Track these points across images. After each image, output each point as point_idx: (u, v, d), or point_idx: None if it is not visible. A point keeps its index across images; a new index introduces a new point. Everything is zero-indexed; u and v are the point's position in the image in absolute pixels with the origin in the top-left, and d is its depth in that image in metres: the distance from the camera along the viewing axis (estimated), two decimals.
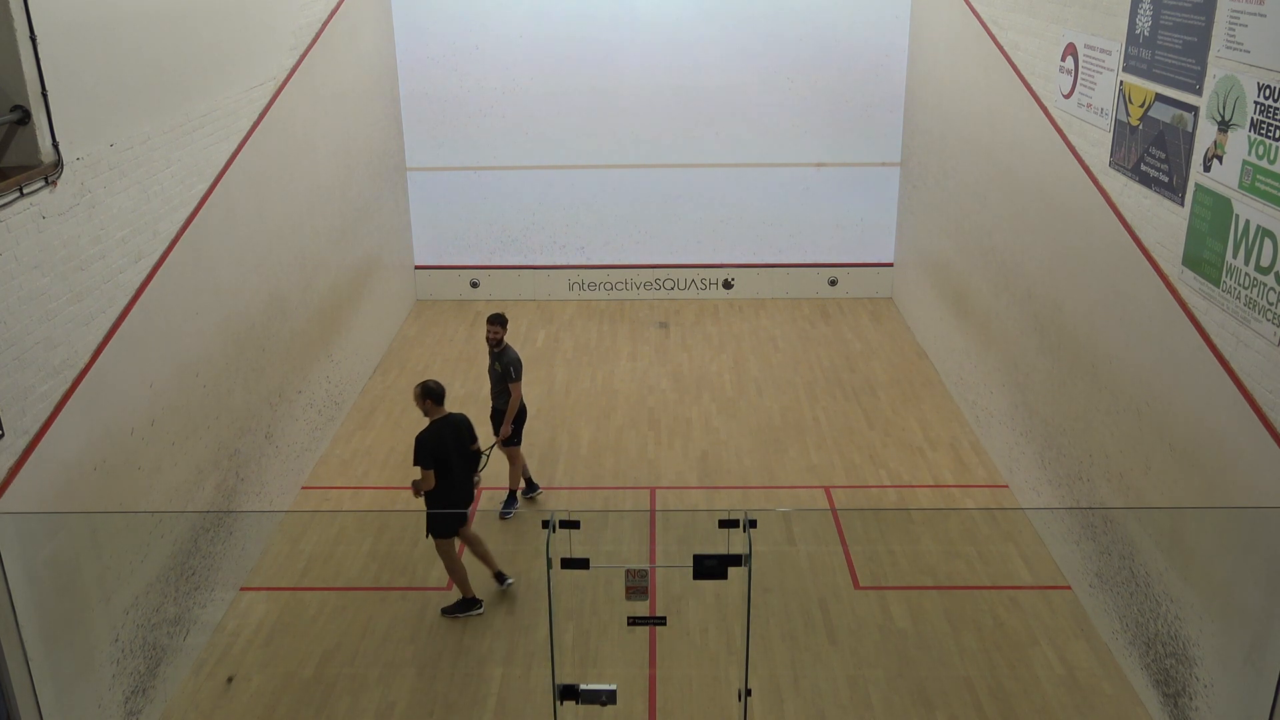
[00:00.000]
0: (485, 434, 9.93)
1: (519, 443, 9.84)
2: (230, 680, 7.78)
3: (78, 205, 6.52)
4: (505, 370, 9.56)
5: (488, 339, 9.63)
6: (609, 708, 7.17)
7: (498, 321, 9.62)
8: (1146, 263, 7.47)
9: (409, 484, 9.58)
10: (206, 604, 8.18)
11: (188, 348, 7.99)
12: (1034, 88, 9.66)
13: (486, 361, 11.50)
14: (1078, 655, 7.96)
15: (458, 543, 8.59)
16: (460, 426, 8.50)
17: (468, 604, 8.51)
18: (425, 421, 8.44)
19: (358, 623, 8.39)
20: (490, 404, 9.93)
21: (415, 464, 8.17)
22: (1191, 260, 6.90)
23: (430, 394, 8.37)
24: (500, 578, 8.77)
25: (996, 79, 10.65)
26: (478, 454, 8.74)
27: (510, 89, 14.51)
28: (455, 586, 8.61)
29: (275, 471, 9.62)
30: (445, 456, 8.25)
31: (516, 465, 9.91)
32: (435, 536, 8.46)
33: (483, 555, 8.73)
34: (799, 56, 14.38)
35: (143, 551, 7.26)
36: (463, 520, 8.58)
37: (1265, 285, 6.10)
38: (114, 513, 6.90)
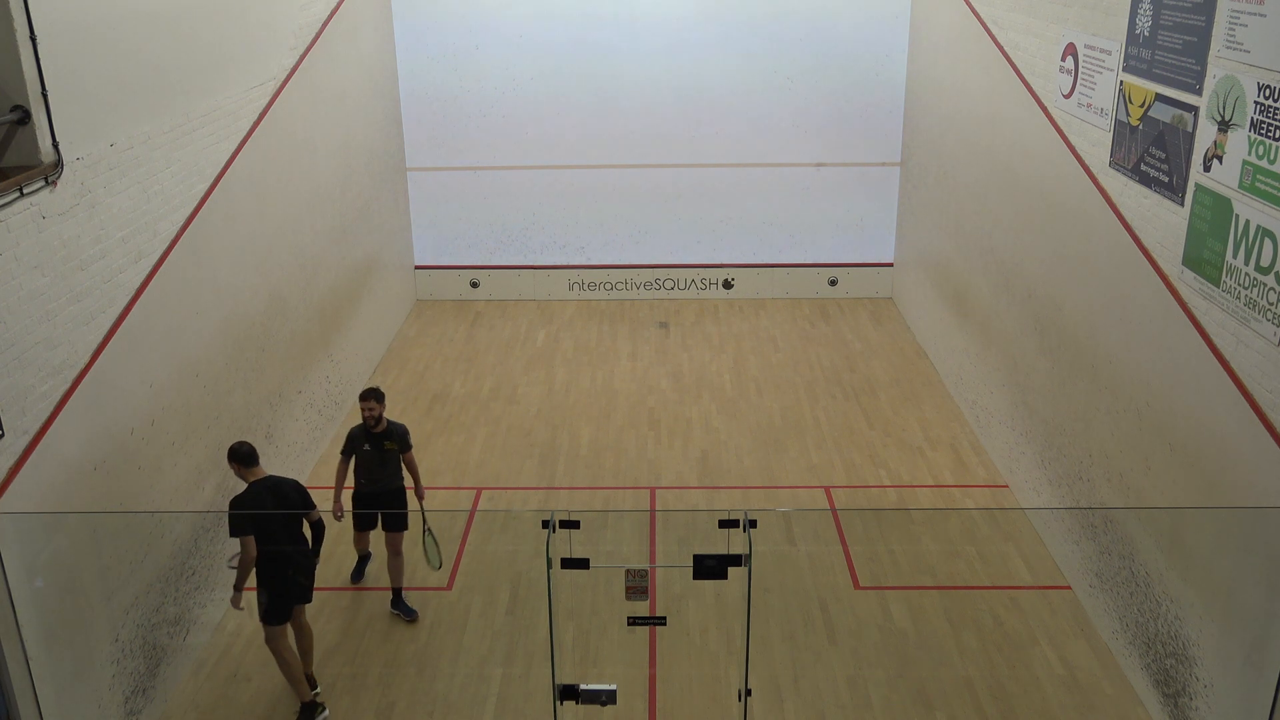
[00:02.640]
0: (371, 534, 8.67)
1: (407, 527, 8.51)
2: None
3: (78, 205, 6.52)
4: (402, 442, 8.33)
5: (365, 419, 8.15)
6: (609, 708, 7.17)
7: (376, 397, 8.19)
8: (1146, 263, 7.47)
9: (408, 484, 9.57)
10: (206, 604, 8.18)
11: (188, 348, 7.99)
12: (1034, 88, 9.66)
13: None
14: (1078, 655, 7.96)
15: (290, 631, 7.38)
16: (285, 491, 7.20)
17: (308, 709, 7.31)
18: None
19: (358, 623, 8.39)
20: (369, 492, 8.38)
21: (230, 534, 7.08)
22: (1191, 260, 6.90)
23: (234, 456, 7.10)
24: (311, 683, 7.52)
25: (996, 79, 10.65)
26: (318, 525, 7.40)
27: (510, 89, 14.51)
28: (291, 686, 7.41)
29: (275, 471, 9.60)
30: (265, 523, 6.99)
31: (401, 558, 8.40)
32: (263, 623, 7.22)
33: (303, 651, 7.51)
34: (799, 56, 14.38)
35: (143, 551, 7.26)
36: (294, 604, 7.33)
37: (1265, 285, 6.10)
38: (114, 513, 6.90)
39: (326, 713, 7.44)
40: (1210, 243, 6.67)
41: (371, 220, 13.04)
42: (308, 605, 7.54)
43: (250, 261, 9.21)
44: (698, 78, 14.44)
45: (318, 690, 7.60)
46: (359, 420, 8.55)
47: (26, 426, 6.04)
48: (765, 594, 8.62)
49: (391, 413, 11.90)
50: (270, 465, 9.47)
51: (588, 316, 14.78)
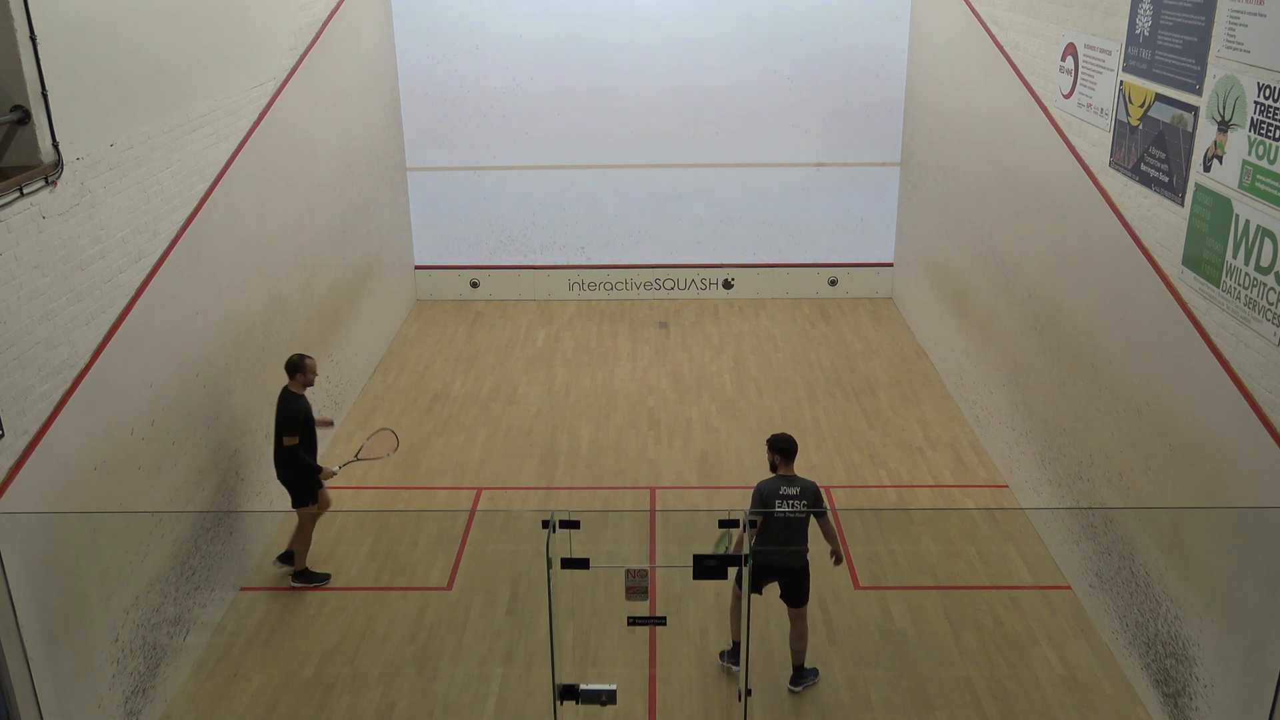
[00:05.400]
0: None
1: None
2: None
3: (78, 205, 6.52)
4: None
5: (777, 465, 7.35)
6: (609, 708, 7.18)
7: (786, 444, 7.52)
8: (1146, 263, 7.47)
9: (409, 484, 9.59)
10: (206, 604, 8.19)
11: (188, 348, 7.99)
12: (1034, 88, 9.66)
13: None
14: (1078, 655, 7.96)
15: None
16: (277, 404, 8.62)
17: (286, 556, 9.02)
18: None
19: (358, 623, 8.39)
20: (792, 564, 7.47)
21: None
22: (1191, 260, 6.90)
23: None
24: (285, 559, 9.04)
25: (996, 79, 10.65)
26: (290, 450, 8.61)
27: (510, 89, 14.51)
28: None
29: (276, 469, 9.60)
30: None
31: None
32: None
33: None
34: (799, 56, 14.38)
35: (143, 551, 7.26)
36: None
37: (1265, 285, 6.10)
38: (114, 513, 6.90)
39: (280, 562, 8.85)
40: (1210, 243, 6.67)
41: (371, 220, 13.04)
42: (297, 509, 8.77)
43: (250, 261, 9.21)
44: (697, 78, 14.44)
45: (286, 569, 8.93)
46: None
47: (26, 426, 6.04)
48: (765, 594, 8.61)
49: (392, 412, 11.91)
50: (270, 465, 9.44)
51: (588, 316, 14.77)
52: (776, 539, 7.37)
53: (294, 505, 8.78)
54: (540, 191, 14.97)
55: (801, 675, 7.68)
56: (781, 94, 14.53)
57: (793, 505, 7.33)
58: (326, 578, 8.87)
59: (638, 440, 11.28)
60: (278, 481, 8.78)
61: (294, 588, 8.79)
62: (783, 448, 7.50)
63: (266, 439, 9.43)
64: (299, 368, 8.56)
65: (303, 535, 8.80)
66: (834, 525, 7.36)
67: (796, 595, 7.48)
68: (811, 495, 7.36)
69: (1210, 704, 6.64)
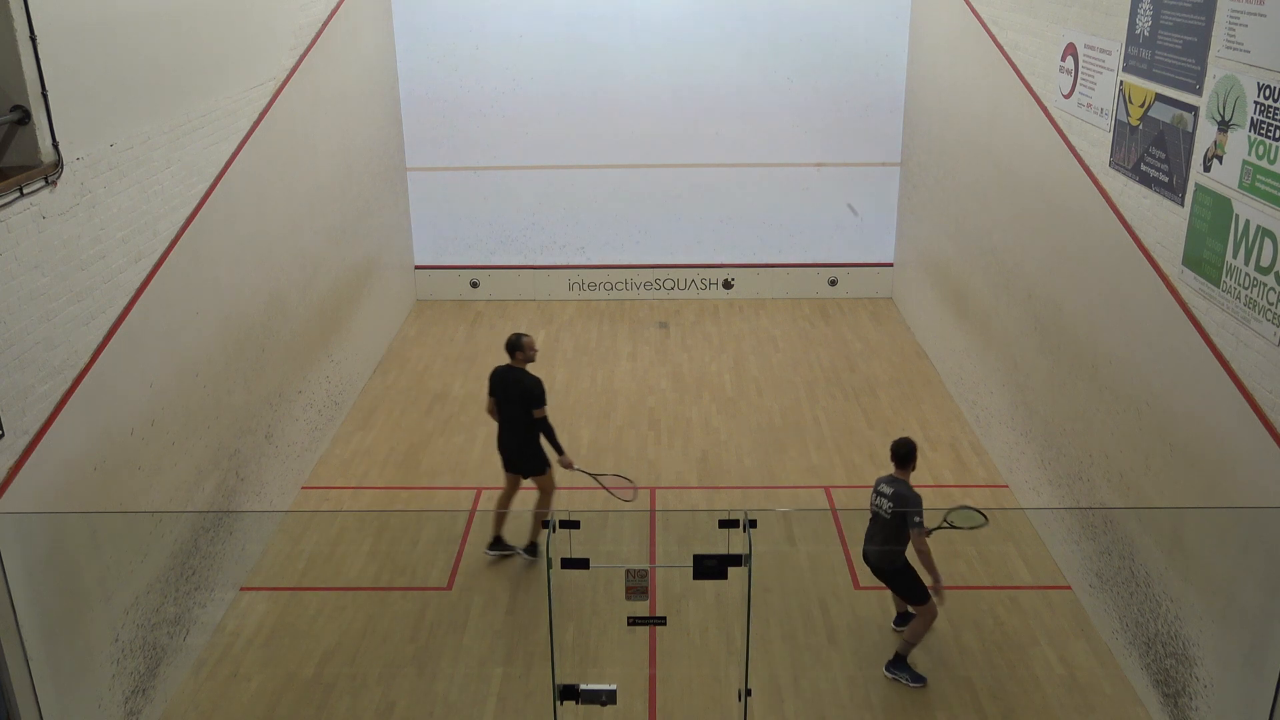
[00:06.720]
0: None
1: None
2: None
3: (78, 205, 6.53)
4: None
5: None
6: (609, 708, 7.17)
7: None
8: (1146, 263, 7.47)
9: (409, 484, 9.62)
10: (206, 604, 8.19)
11: (188, 348, 7.99)
12: (1034, 88, 9.66)
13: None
14: (1078, 655, 7.96)
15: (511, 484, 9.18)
16: (513, 379, 8.78)
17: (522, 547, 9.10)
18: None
19: (358, 623, 8.39)
20: None
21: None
22: (1191, 260, 6.90)
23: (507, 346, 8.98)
24: (512, 547, 9.12)
25: (996, 79, 10.65)
26: (541, 421, 8.84)
27: (510, 89, 14.51)
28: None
29: (275, 471, 9.62)
30: (497, 393, 8.87)
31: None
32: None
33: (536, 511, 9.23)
34: (799, 56, 14.38)
35: (143, 551, 7.26)
36: (507, 466, 9.03)
37: (1265, 285, 6.10)
38: (114, 513, 6.90)
39: (525, 555, 8.95)
40: (1210, 243, 6.68)
41: (371, 220, 13.05)
42: (534, 478, 8.96)
43: (250, 261, 9.21)
44: (698, 78, 14.44)
45: (510, 549, 9.05)
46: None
47: (26, 426, 6.04)
48: (765, 594, 8.62)
49: (392, 412, 11.91)
50: (270, 465, 9.49)
51: (588, 316, 14.78)
52: (868, 534, 7.83)
53: (530, 474, 8.97)
54: (540, 191, 14.98)
55: (897, 665, 7.73)
56: (781, 94, 14.53)
57: (880, 506, 7.61)
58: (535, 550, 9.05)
59: (638, 440, 11.28)
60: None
61: (496, 554, 9.06)
62: (893, 450, 7.68)
63: (268, 439, 9.45)
64: (519, 345, 8.83)
65: (545, 503, 9.06)
66: (923, 546, 7.39)
67: (902, 594, 7.74)
68: (899, 501, 7.52)
69: (1210, 704, 6.64)
